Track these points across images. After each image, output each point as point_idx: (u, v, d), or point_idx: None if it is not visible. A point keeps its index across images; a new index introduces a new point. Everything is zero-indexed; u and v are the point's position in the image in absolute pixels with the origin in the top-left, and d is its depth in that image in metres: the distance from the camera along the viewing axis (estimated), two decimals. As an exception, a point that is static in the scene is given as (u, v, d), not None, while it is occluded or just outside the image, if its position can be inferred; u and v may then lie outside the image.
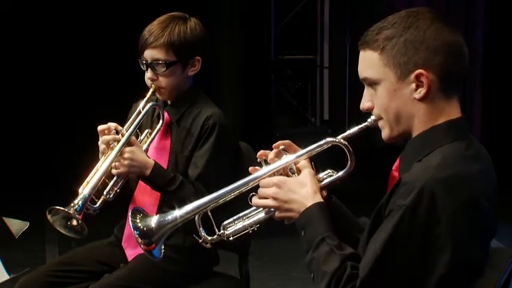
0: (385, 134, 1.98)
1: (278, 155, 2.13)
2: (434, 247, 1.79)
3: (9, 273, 2.62)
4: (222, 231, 2.17)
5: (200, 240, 2.20)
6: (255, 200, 2.10)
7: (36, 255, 5.02)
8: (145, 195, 2.91)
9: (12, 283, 2.82)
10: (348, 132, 2.06)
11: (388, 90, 1.93)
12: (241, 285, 2.99)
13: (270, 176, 2.09)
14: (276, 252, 4.81)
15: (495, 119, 7.54)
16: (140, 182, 2.87)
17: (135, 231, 2.17)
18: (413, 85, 1.90)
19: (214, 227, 2.18)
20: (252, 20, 7.12)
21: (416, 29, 1.90)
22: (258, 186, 2.10)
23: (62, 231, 2.74)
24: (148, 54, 2.85)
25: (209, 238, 2.18)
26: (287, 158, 2.10)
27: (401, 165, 1.96)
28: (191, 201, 2.77)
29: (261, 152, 2.15)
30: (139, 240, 2.18)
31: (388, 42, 1.91)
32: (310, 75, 7.53)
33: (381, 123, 1.98)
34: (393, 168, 2.00)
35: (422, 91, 1.90)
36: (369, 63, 1.95)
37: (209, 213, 2.17)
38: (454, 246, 1.78)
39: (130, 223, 2.18)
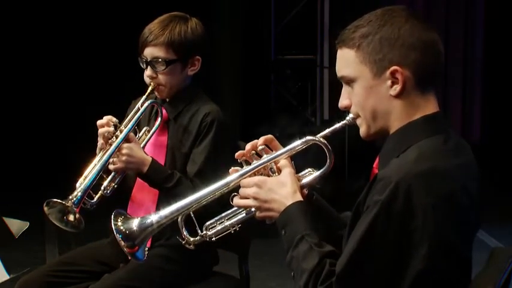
0: (362, 131, 2.00)
1: (260, 153, 2.14)
2: (411, 242, 1.79)
3: (9, 273, 2.62)
4: (204, 232, 2.19)
5: (183, 242, 2.21)
6: (236, 200, 2.11)
7: (36, 255, 5.02)
8: (143, 193, 2.91)
9: (12, 283, 2.82)
10: (327, 130, 2.09)
11: (365, 87, 1.94)
12: (241, 285, 3.00)
13: (251, 176, 2.10)
14: (275, 252, 4.78)
15: (495, 119, 7.54)
16: (138, 179, 2.88)
17: (118, 235, 2.16)
18: (389, 82, 1.91)
19: (197, 228, 2.19)
20: (252, 20, 7.12)
21: (391, 27, 1.91)
22: (239, 187, 2.11)
23: (58, 224, 2.75)
24: (148, 52, 2.86)
25: (191, 239, 2.20)
26: (267, 157, 2.12)
27: (381, 162, 1.97)
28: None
29: (240, 152, 2.16)
30: (122, 243, 2.16)
31: (363, 40, 1.92)
32: (310, 75, 7.51)
33: (358, 121, 2.00)
34: (374, 166, 2.01)
35: (397, 87, 1.91)
36: (346, 61, 1.96)
37: (192, 215, 2.17)
38: (431, 240, 1.78)
39: (113, 226, 2.17)
